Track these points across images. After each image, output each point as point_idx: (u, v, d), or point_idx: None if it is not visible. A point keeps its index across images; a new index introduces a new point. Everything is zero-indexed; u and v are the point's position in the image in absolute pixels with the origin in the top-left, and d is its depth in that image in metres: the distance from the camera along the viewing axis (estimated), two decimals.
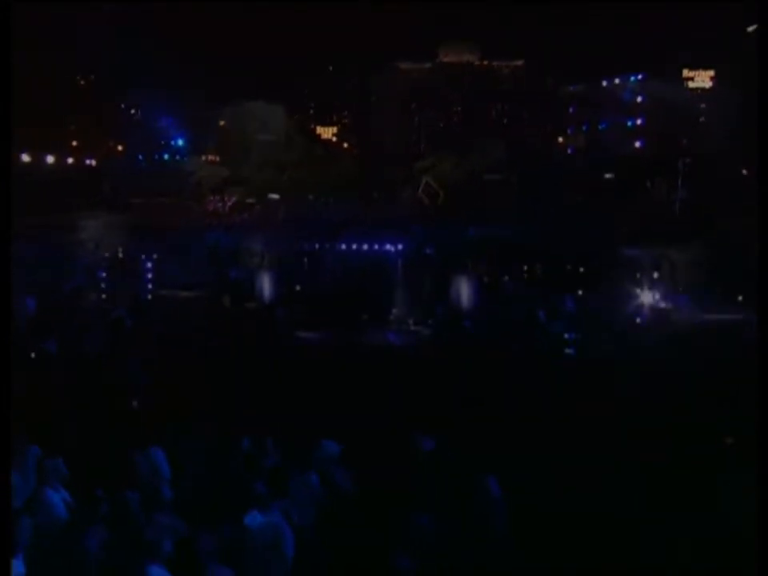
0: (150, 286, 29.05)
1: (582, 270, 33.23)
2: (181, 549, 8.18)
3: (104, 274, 28.37)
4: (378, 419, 14.18)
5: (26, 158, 45.74)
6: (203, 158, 55.16)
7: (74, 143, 54.19)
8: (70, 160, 51.16)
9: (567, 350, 23.61)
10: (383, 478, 11.17)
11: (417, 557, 8.95)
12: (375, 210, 40.43)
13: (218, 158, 54.74)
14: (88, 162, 52.77)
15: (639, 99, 52.27)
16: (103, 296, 27.93)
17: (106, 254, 29.56)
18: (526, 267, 33.62)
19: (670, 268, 29.73)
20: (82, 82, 56.91)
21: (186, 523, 9.10)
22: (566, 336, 24.13)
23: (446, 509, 10.28)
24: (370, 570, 8.85)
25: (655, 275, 29.37)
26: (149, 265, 29.29)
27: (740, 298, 26.18)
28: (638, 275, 29.21)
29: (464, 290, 29.63)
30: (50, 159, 48.59)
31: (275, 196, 47.70)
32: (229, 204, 48.76)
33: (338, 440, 12.02)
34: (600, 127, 54.24)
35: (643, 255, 30.05)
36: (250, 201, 47.94)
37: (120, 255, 29.95)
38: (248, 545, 8.67)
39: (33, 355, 20.12)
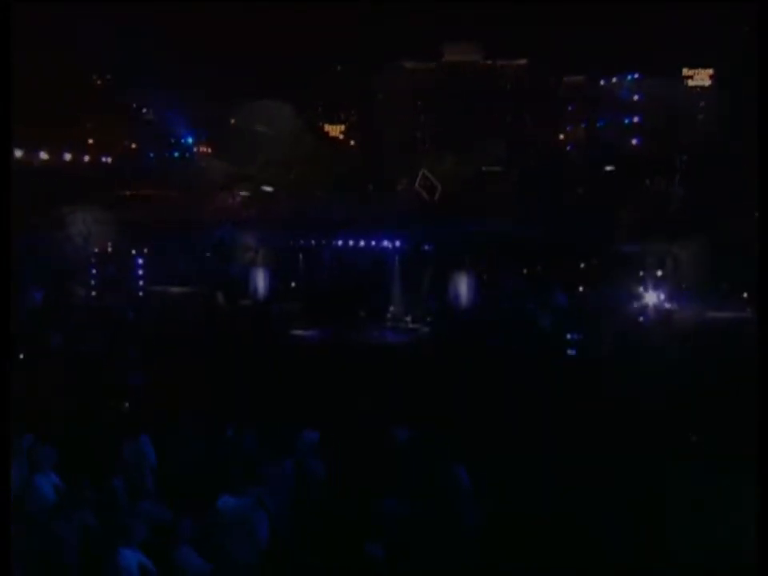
0: (141, 283, 28.90)
1: (582, 266, 33.02)
2: (154, 531, 8.43)
3: (94, 270, 28.27)
4: (375, 418, 14.37)
5: (44, 155, 46.02)
6: (195, 148, 55.30)
7: (91, 141, 54.27)
8: (87, 158, 51.28)
9: (569, 351, 23.51)
10: (366, 469, 11.41)
11: (389, 544, 9.12)
12: (372, 204, 39.88)
13: (209, 150, 54.94)
14: (104, 159, 52.82)
15: (636, 97, 52.12)
16: (93, 293, 27.91)
17: (96, 249, 29.24)
18: (525, 264, 33.43)
19: (670, 265, 29.48)
20: (99, 82, 56.97)
21: (165, 507, 9.42)
22: (568, 337, 24.00)
23: (434, 502, 10.48)
24: (343, 554, 9.04)
25: (654, 272, 29.10)
26: (142, 260, 29.00)
27: (745, 294, 25.94)
28: (637, 272, 28.97)
29: (463, 288, 29.44)
30: (68, 156, 48.63)
31: (269, 188, 47.53)
32: (239, 200, 48.68)
33: (331, 437, 12.36)
34: (598, 125, 54.15)
35: (642, 252, 29.80)
36: (243, 193, 47.77)
37: (110, 249, 29.65)
38: (219, 527, 8.87)
39: (29, 348, 20.28)
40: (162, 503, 9.76)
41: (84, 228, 27.96)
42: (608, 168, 46.94)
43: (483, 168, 46.56)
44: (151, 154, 56.05)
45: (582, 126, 55.21)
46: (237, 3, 47.83)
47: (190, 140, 57.37)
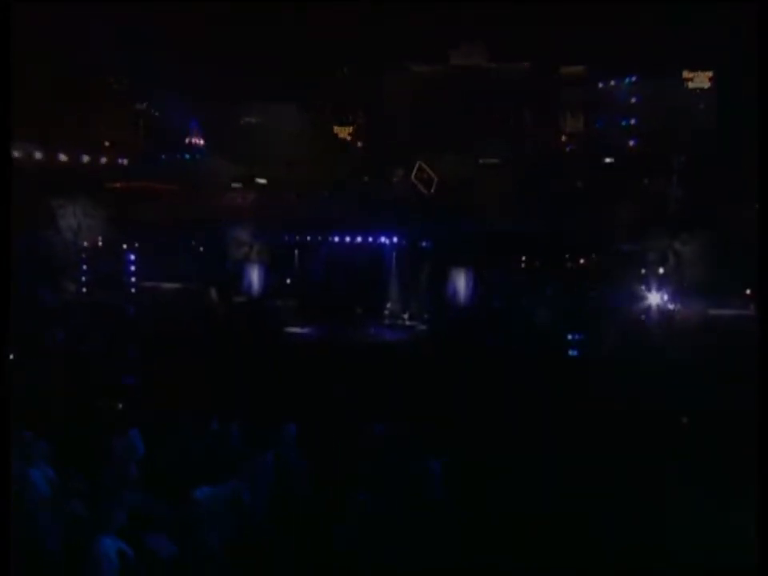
0: (136, 279, 28.02)
1: (582, 261, 32.30)
2: (133, 519, 8.60)
3: (85, 267, 27.52)
4: (370, 416, 13.70)
5: (63, 157, 46.28)
6: (186, 139, 55.19)
7: (107, 143, 54.10)
8: (104, 159, 51.26)
9: (570, 352, 22.72)
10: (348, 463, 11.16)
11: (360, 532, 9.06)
12: (370, 200, 38.94)
13: (201, 141, 54.92)
14: (120, 161, 52.74)
15: (633, 100, 52.15)
16: (84, 289, 27.20)
17: (85, 243, 28.45)
18: (523, 261, 32.57)
19: (667, 263, 28.77)
20: (115, 86, 56.82)
21: (146, 496, 9.59)
22: (569, 337, 23.17)
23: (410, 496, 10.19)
24: (317, 544, 9.06)
25: (651, 270, 28.41)
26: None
27: (747, 291, 25.30)
28: (636, 270, 28.29)
29: (460, 285, 28.75)
30: (85, 158, 48.70)
31: (263, 181, 47.13)
32: (243, 197, 48.30)
33: (321, 433, 12.12)
34: (596, 125, 54.15)
35: (641, 250, 29.08)
36: (235, 185, 47.39)
37: (100, 244, 28.87)
38: (194, 515, 8.94)
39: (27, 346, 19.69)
40: (145, 493, 9.85)
41: (74, 222, 27.19)
42: (607, 160, 46.54)
43: (480, 160, 45.85)
44: (163, 156, 55.99)
45: (581, 126, 55.18)
46: (255, 4, 47.33)
47: (200, 142, 57.38)
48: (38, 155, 44.31)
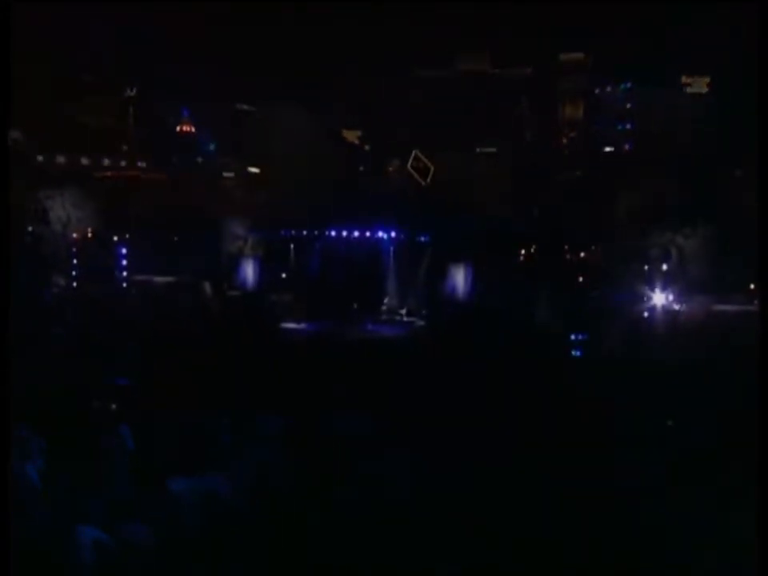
0: (124, 273, 27.45)
1: (582, 256, 31.81)
2: (114, 509, 8.69)
3: (76, 261, 27.01)
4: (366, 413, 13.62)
5: (84, 160, 46.49)
6: (177, 128, 55.16)
7: (125, 147, 54.18)
8: (123, 163, 51.49)
9: (573, 353, 22.22)
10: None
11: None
12: (368, 193, 38.21)
13: (192, 129, 54.99)
14: (139, 164, 52.95)
15: (629, 105, 52.34)
16: (74, 284, 26.74)
17: (75, 235, 27.82)
18: (522, 254, 31.88)
19: (672, 259, 28.20)
20: (111, 82, 56.88)
21: (130, 487, 9.64)
22: (572, 337, 22.66)
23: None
24: (294, 535, 8.89)
25: (651, 267, 27.87)
26: (125, 250, 27.56)
27: (751, 286, 24.54)
28: (636, 265, 27.76)
29: (459, 280, 28.29)
30: (106, 161, 48.80)
31: (255, 170, 46.85)
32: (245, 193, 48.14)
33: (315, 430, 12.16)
34: (595, 126, 54.18)
35: (638, 248, 28.53)
36: (228, 175, 47.10)
37: (89, 235, 28.27)
38: (171, 505, 9.05)
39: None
40: (127, 484, 9.86)
41: (64, 214, 26.68)
42: (608, 149, 46.31)
43: (477, 149, 45.26)
44: (174, 159, 56.00)
45: (581, 115, 55.25)
46: (267, 4, 47.02)
47: (211, 147, 57.43)
48: (32, 151, 44.42)
